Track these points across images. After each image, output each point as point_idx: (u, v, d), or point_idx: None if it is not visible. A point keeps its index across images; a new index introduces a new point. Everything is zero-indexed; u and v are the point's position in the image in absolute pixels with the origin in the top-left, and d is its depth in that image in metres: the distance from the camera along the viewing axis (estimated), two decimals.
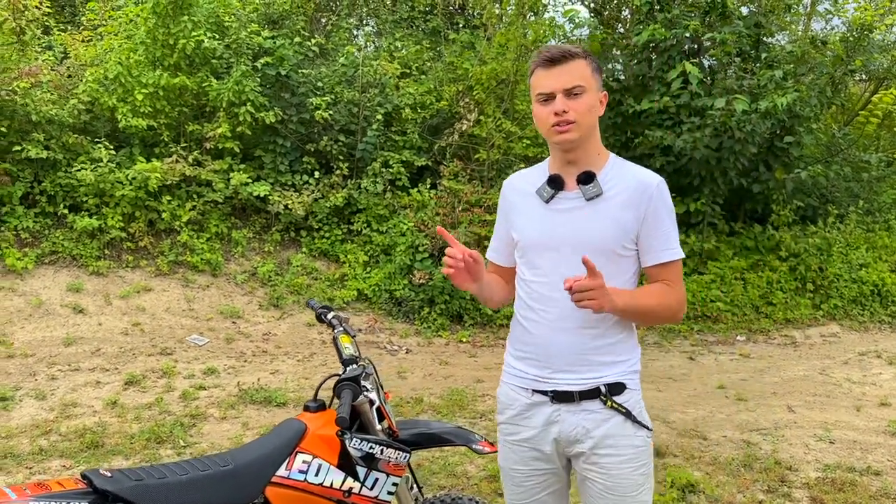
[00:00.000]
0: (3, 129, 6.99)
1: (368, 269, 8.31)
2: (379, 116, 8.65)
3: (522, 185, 2.25)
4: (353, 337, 2.80)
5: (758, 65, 9.26)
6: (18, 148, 7.07)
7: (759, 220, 9.90)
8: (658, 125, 8.97)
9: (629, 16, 10.76)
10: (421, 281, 7.75)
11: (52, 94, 7.31)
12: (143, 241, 7.82)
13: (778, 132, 9.21)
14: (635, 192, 2.10)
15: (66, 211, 7.47)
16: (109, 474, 2.02)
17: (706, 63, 9.31)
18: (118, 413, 5.44)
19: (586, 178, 2.11)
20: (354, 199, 8.60)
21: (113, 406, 5.56)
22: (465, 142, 9.41)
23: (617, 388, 2.11)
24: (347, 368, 2.51)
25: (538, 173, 2.24)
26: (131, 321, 7.12)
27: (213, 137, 8.05)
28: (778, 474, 4.53)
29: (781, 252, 9.40)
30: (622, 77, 9.78)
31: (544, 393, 2.16)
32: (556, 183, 2.15)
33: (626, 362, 2.16)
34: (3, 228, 7.28)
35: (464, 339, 7.53)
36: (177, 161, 7.62)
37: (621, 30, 10.73)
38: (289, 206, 8.15)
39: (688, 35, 8.91)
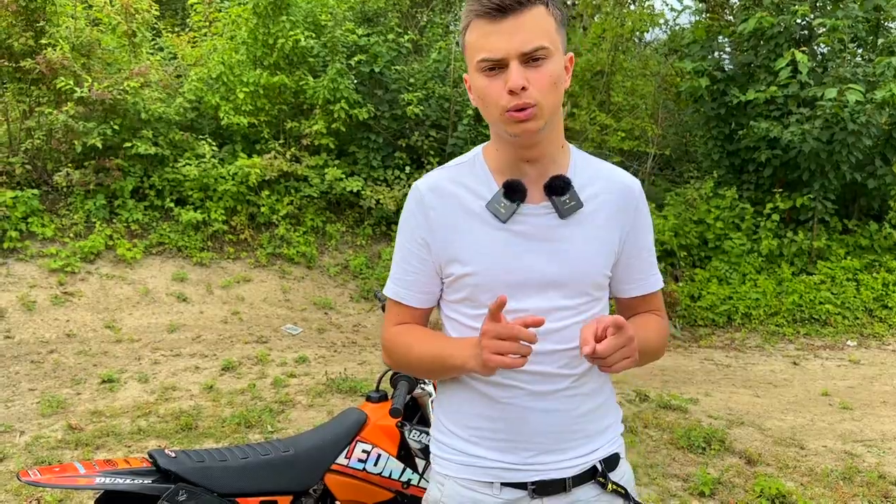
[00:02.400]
0: (115, 126, 7.44)
1: None
2: (470, 111, 8.66)
3: (459, 193, 1.54)
4: None
5: (875, 52, 8.64)
6: (129, 144, 7.51)
7: (875, 217, 9.26)
8: (764, 116, 8.54)
9: (736, 1, 10.29)
10: None
11: (160, 93, 7.71)
12: (244, 233, 8.14)
13: None
14: (619, 199, 1.57)
15: (172, 204, 7.87)
16: (174, 454, 2.10)
17: (817, 51, 8.78)
18: (213, 397, 5.68)
19: (560, 187, 1.50)
20: None
21: (209, 390, 5.82)
22: None
23: (612, 462, 1.63)
24: None
25: (474, 176, 1.56)
26: (231, 310, 7.43)
27: (309, 134, 8.27)
28: (881, 489, 4.22)
29: None
30: (728, 66, 9.37)
31: (521, 486, 1.54)
32: (516, 193, 1.49)
33: (615, 424, 1.68)
34: (115, 221, 7.75)
35: None
36: (275, 157, 7.89)
37: (728, 17, 10.28)
38: (380, 201, 8.27)
39: (797, 21, 8.43)
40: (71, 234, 7.53)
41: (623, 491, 1.61)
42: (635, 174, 9.74)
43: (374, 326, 7.60)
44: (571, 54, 1.52)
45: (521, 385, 1.52)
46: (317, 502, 2.35)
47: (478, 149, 1.61)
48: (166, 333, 6.92)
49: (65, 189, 7.72)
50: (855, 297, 8.31)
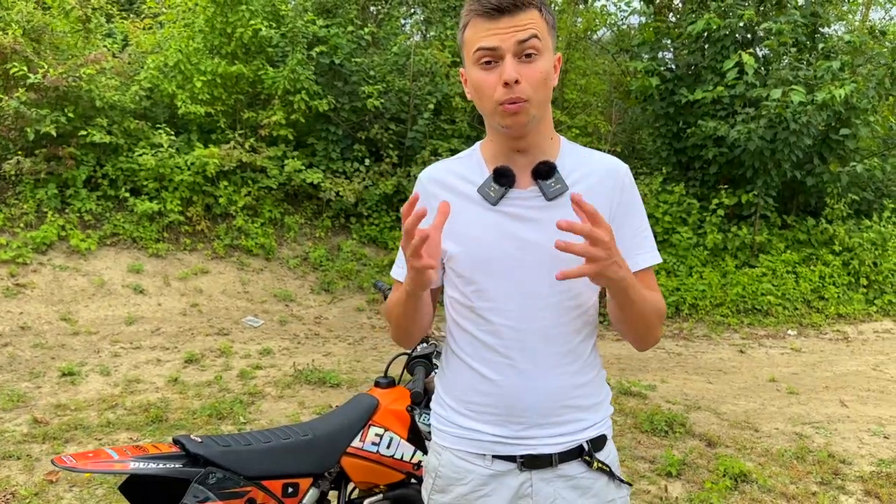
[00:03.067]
0: (69, 114, 7.24)
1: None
2: (430, 105, 8.74)
3: (452, 181, 1.67)
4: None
5: (814, 55, 9.10)
6: (84, 133, 7.32)
7: (813, 213, 9.75)
8: (711, 115, 8.89)
9: (681, 4, 10.66)
10: None
11: (114, 80, 7.54)
12: (201, 224, 8.04)
13: (833, 124, 9.06)
14: (604, 179, 1.63)
15: (127, 194, 7.72)
16: (200, 440, 2.15)
17: (760, 53, 9.18)
18: (179, 390, 5.63)
19: (546, 171, 1.59)
20: (403, 187, 8.71)
21: (174, 383, 5.76)
22: None
23: (599, 442, 1.69)
24: (419, 347, 2.60)
25: (470, 165, 1.68)
26: (189, 302, 7.34)
27: (267, 125, 8.22)
28: (831, 467, 4.52)
29: (835, 246, 9.26)
30: (674, 66, 9.70)
31: (510, 458, 1.63)
32: (504, 178, 1.60)
33: (604, 403, 1.72)
34: (67, 210, 7.56)
35: None
36: (234, 147, 7.81)
37: (673, 18, 10.63)
38: (340, 193, 8.29)
39: (742, 24, 8.80)
40: (21, 224, 7.31)
41: (607, 469, 1.67)
42: None
43: (337, 318, 7.62)
44: (560, 55, 1.63)
45: (513, 363, 1.60)
46: (333, 484, 2.42)
47: (477, 143, 1.73)
48: (124, 326, 6.80)
49: (13, 178, 7.48)
50: (794, 288, 8.75)
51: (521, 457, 1.61)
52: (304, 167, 8.32)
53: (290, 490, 2.26)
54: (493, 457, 1.63)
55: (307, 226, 8.66)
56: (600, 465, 1.66)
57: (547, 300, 1.59)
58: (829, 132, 9.07)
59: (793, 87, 8.10)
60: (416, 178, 2.10)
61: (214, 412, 5.14)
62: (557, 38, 1.69)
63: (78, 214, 7.57)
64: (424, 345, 2.61)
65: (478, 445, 1.64)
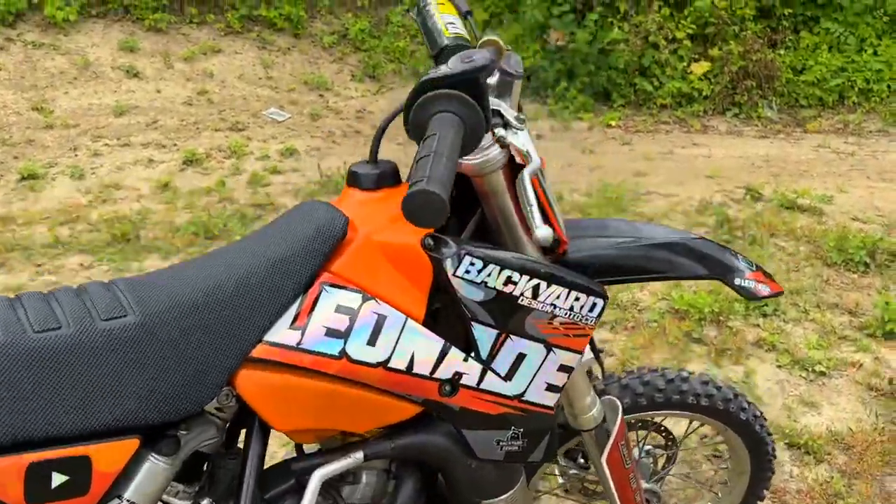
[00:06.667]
0: None
1: (489, 29, 6.47)
2: None
3: None
4: (466, 15, 1.25)
5: None
6: None
7: None
8: None
9: None
10: (558, 43, 5.90)
11: None
12: None
13: None
14: None
15: None
16: None
17: None
18: (167, 198, 4.21)
19: None
20: None
21: (163, 189, 4.35)
22: None
23: None
24: (453, 62, 0.94)
25: None
26: (196, 89, 5.76)
27: None
28: None
29: None
30: None
31: None
32: None
33: None
34: None
35: (612, 123, 5.75)
36: None
37: None
38: None
39: None
40: None
41: None
42: None
43: (384, 112, 5.94)
44: None
45: None
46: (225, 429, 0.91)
47: None
48: (112, 118, 5.31)
49: None
50: None
51: None
52: None
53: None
54: None
55: None
56: None
57: None
58: None
59: None
60: None
61: (203, 230, 3.71)
62: None
63: None
64: (470, 54, 0.95)
65: None
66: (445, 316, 1.04)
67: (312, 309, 0.95)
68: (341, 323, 0.94)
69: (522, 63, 1.13)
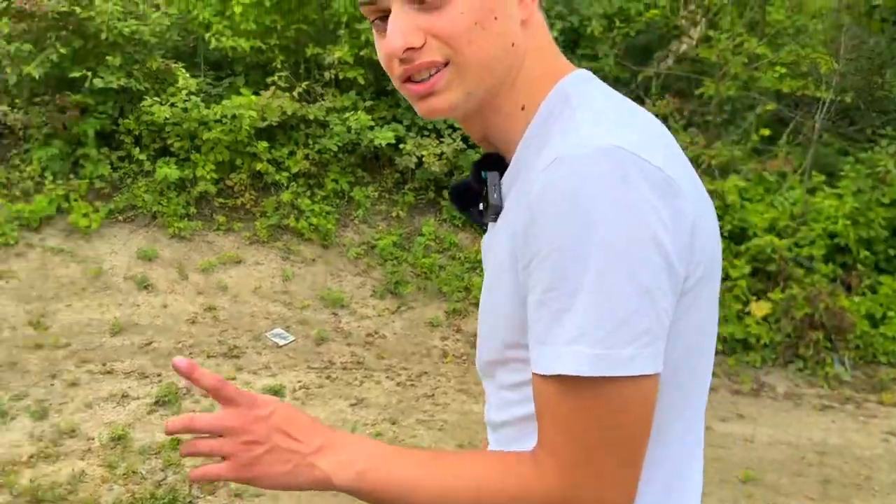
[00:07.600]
0: (61, 50, 5.51)
1: None
2: (555, 34, 6.15)
3: None
4: None
5: None
6: (79, 74, 5.60)
7: None
8: None
9: None
10: None
11: (118, 3, 5.72)
12: (244, 196, 6.17)
13: None
14: (524, 203, 0.80)
15: (143, 157, 5.98)
16: None
17: None
18: (112, 460, 3.83)
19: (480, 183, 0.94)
20: None
21: (115, 444, 3.97)
22: (685, 70, 6.59)
23: None
24: None
25: None
26: (206, 304, 5.51)
27: (332, 64, 6.10)
28: None
29: None
30: None
31: None
32: (458, 200, 1.03)
33: None
34: (77, 176, 5.97)
35: None
36: (275, 95, 5.78)
37: None
38: (423, 159, 6.03)
39: None
40: (18, 192, 5.83)
41: None
42: (798, 130, 6.92)
43: (398, 337, 5.48)
44: None
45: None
46: None
47: None
48: (107, 336, 5.10)
49: (20, 132, 6.01)
50: None
51: None
52: (376, 123, 6.14)
53: None
54: None
55: (383, 200, 6.51)
56: None
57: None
58: None
59: None
60: None
61: None
62: None
63: (88, 181, 5.96)
64: None
65: None
66: None
67: None
68: None
69: None
